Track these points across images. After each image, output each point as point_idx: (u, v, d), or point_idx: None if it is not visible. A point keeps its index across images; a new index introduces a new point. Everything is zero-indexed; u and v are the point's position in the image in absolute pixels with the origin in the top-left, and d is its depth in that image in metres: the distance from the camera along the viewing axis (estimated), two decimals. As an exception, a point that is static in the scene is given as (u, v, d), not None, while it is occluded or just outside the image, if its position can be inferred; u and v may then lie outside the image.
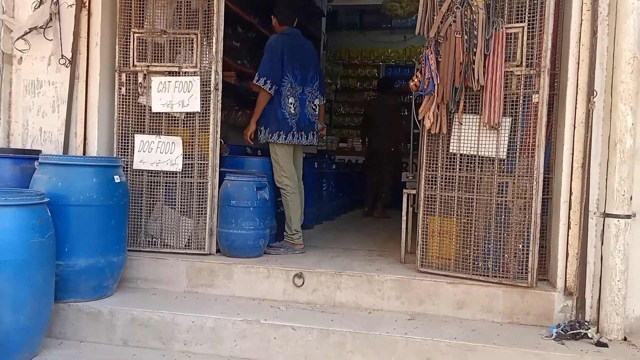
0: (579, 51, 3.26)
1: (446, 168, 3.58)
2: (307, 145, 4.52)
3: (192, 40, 3.97)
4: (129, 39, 4.01)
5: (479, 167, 3.49)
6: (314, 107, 4.45)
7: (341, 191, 6.95)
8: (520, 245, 3.33)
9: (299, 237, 4.32)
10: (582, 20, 3.25)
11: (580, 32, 3.26)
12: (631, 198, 3.07)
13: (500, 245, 3.40)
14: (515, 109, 3.39)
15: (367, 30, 10.31)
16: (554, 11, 3.34)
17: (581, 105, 3.24)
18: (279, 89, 4.22)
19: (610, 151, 3.11)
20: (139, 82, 4.01)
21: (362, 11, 9.89)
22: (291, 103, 4.24)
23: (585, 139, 3.20)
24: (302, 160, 4.63)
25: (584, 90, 3.23)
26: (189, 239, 3.96)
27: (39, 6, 3.93)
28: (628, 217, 3.05)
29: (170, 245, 3.96)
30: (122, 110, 4.01)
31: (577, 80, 3.26)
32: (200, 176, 3.95)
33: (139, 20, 4.02)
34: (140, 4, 4.01)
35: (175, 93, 3.95)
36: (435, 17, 3.52)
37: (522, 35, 3.36)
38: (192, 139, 3.97)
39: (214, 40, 3.94)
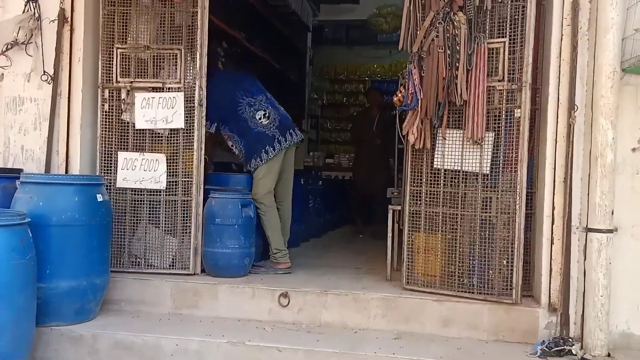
0: (559, 66, 3.29)
1: (431, 183, 3.58)
2: (296, 145, 4.34)
3: (176, 55, 3.96)
4: (112, 54, 3.98)
5: (463, 182, 3.49)
6: (282, 106, 4.37)
7: (328, 208, 6.91)
8: (505, 261, 3.33)
9: (283, 256, 4.17)
10: (562, 35, 3.29)
11: (560, 47, 3.29)
12: (613, 212, 3.09)
13: (485, 261, 3.40)
14: (498, 123, 3.41)
15: (353, 45, 10.37)
16: (534, 26, 3.37)
17: (562, 119, 3.26)
18: (238, 114, 4.11)
19: (592, 166, 3.13)
20: (122, 98, 3.98)
21: (347, 26, 9.95)
22: (262, 115, 4.14)
23: (567, 153, 3.22)
24: (293, 164, 4.45)
25: (565, 105, 3.26)
26: (173, 259, 3.91)
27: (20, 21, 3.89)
28: (610, 231, 3.06)
29: (154, 266, 3.91)
30: (105, 127, 3.97)
31: (558, 94, 3.29)
32: (184, 194, 3.91)
33: (122, 35, 4.00)
34: (123, 19, 3.99)
35: (159, 109, 3.92)
36: (418, 32, 3.54)
37: (504, 50, 3.38)
38: (176, 156, 3.93)
39: (198, 56, 3.92)
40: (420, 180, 3.60)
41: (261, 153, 4.11)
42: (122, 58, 3.98)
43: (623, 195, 3.18)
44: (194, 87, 3.92)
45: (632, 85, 3.21)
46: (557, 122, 3.28)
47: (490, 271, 3.38)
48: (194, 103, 3.91)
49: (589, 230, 3.12)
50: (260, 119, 4.13)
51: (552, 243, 3.26)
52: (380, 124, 6.86)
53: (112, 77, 3.98)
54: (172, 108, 3.89)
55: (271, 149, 4.12)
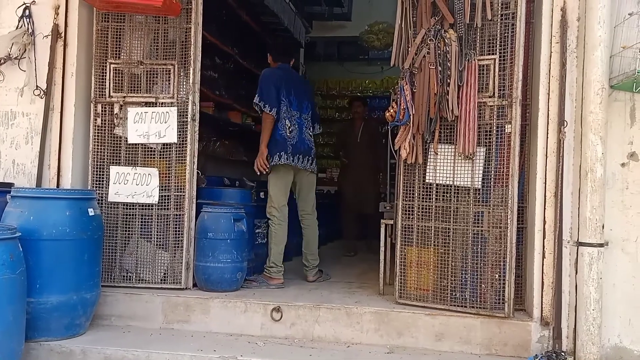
0: (549, 82, 3.35)
1: (423, 198, 3.60)
2: (309, 172, 4.48)
3: (170, 70, 3.98)
4: (105, 69, 4.00)
5: (455, 196, 3.51)
6: (310, 133, 4.51)
7: (320, 222, 6.87)
8: (497, 275, 3.35)
9: (277, 272, 4.21)
10: (551, 52, 3.35)
11: (550, 64, 3.35)
12: (603, 227, 3.12)
13: (477, 275, 3.41)
14: (489, 139, 3.44)
15: (345, 61, 10.43)
16: (524, 43, 3.43)
17: (552, 135, 3.31)
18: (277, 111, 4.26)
19: (582, 180, 3.17)
20: (115, 113, 3.98)
21: (339, 43, 10.02)
22: (287, 126, 4.28)
23: (557, 168, 3.26)
24: (311, 189, 4.58)
25: (555, 121, 3.30)
26: (165, 273, 3.89)
27: (14, 36, 3.90)
28: (601, 245, 3.09)
29: (145, 280, 3.88)
30: (98, 142, 3.97)
31: (548, 110, 3.33)
32: (176, 208, 3.90)
33: (116, 50, 4.02)
34: (116, 34, 4.01)
35: (151, 124, 3.93)
36: (409, 49, 3.59)
37: (494, 67, 3.44)
38: (168, 170, 3.93)
39: (192, 71, 3.94)
40: (413, 194, 3.62)
41: (275, 155, 4.21)
42: (115, 73, 4.00)
43: (613, 210, 3.22)
44: (187, 102, 3.93)
45: (621, 101, 3.27)
46: (547, 137, 3.32)
47: (483, 285, 3.40)
48: (187, 118, 3.92)
49: (580, 244, 3.15)
50: (286, 127, 4.29)
51: (543, 257, 3.28)
52: (365, 135, 6.46)
53: (105, 91, 3.99)
54: (165, 123, 3.90)
55: (285, 156, 4.22)
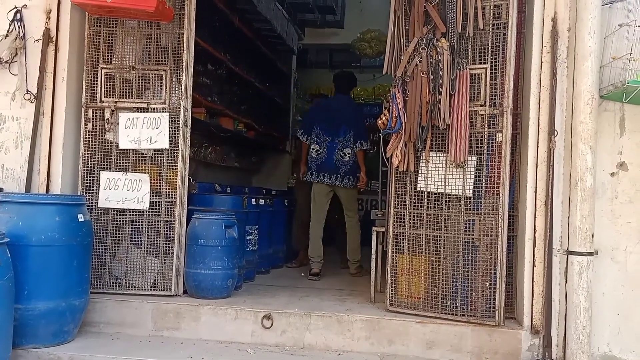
0: (539, 92, 3.37)
1: (414, 206, 3.61)
2: (342, 187, 5.16)
3: (162, 76, 3.96)
4: (97, 74, 3.98)
5: (446, 204, 3.53)
6: (344, 154, 5.15)
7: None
8: (488, 283, 3.36)
9: (313, 263, 5.07)
10: (542, 62, 3.38)
11: (540, 74, 3.38)
12: (593, 236, 3.14)
13: (468, 283, 3.42)
14: (480, 147, 3.46)
15: (337, 68, 10.43)
16: (515, 53, 3.46)
17: (543, 144, 3.33)
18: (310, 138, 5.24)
19: (572, 189, 3.19)
20: (106, 118, 3.96)
21: (332, 50, 10.05)
22: (316, 149, 5.21)
23: (548, 177, 3.28)
24: (348, 200, 5.30)
25: (545, 130, 3.33)
26: (155, 280, 3.86)
27: (5, 38, 3.87)
28: (590, 254, 3.11)
29: (135, 287, 3.85)
30: (88, 147, 3.94)
31: (539, 120, 3.36)
32: (167, 214, 3.88)
33: (108, 55, 4.00)
34: (108, 39, 4.00)
35: (143, 129, 3.91)
36: (402, 57, 3.61)
37: (486, 76, 3.46)
38: (159, 176, 3.91)
39: (184, 77, 3.93)
40: (404, 202, 3.63)
41: (307, 172, 5.26)
42: (107, 78, 3.98)
43: (603, 219, 3.24)
44: (179, 107, 3.92)
45: (610, 112, 3.30)
46: (537, 146, 3.34)
47: (474, 293, 3.40)
48: (179, 123, 3.91)
49: (569, 253, 3.17)
50: (312, 150, 5.25)
51: (533, 265, 3.30)
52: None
53: (96, 96, 3.97)
54: (157, 128, 3.89)
55: (312, 175, 5.19)
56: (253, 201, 4.83)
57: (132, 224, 3.89)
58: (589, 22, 3.17)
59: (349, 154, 5.13)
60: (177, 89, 3.95)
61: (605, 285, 3.22)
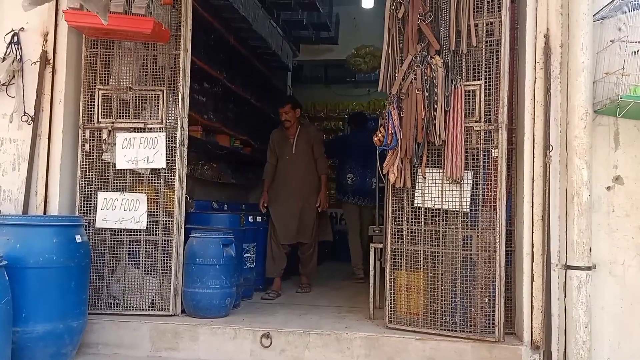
0: (534, 107, 3.40)
1: (412, 222, 3.62)
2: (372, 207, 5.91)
3: (158, 96, 3.98)
4: (94, 95, 4.00)
5: (443, 220, 3.53)
6: (371, 182, 6.05)
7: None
8: (487, 299, 3.36)
9: (357, 269, 6.02)
10: (535, 78, 3.41)
11: (534, 90, 3.41)
12: (590, 250, 3.15)
13: (467, 299, 3.42)
14: (476, 163, 3.48)
15: (332, 84, 10.53)
16: (509, 69, 3.49)
17: (538, 159, 3.35)
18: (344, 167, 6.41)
19: (568, 204, 3.21)
20: (103, 138, 3.97)
21: (326, 66, 10.11)
22: (350, 177, 6.28)
23: (544, 192, 3.30)
24: (368, 216, 6.24)
25: (541, 145, 3.35)
26: (152, 300, 3.84)
27: (2, 61, 3.89)
28: (589, 268, 3.12)
29: (133, 307, 3.83)
30: (85, 168, 3.94)
31: (534, 135, 3.38)
32: (165, 234, 3.88)
33: (105, 77, 4.02)
34: (105, 61, 4.02)
35: (140, 149, 3.92)
36: (396, 75, 3.63)
37: (480, 93, 3.49)
38: (157, 195, 3.92)
39: (180, 97, 3.96)
40: (402, 218, 3.64)
41: (340, 195, 6.41)
42: (104, 99, 4.00)
43: (600, 233, 3.25)
44: (176, 127, 3.94)
45: (605, 126, 3.33)
46: (533, 161, 3.36)
47: (473, 309, 3.40)
48: (175, 143, 3.92)
49: (568, 267, 3.17)
50: (347, 178, 6.27)
51: (532, 280, 3.30)
52: (301, 145, 5.25)
53: (93, 117, 3.98)
54: (154, 148, 3.90)
55: (342, 196, 6.36)
56: (250, 218, 4.83)
57: (129, 244, 3.88)
58: (581, 38, 3.21)
59: (375, 182, 5.65)
60: (173, 108, 3.97)
61: (604, 300, 3.22)
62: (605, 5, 3.23)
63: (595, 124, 3.29)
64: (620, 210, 3.27)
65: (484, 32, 3.50)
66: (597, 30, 3.27)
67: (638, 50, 3.20)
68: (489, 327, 3.33)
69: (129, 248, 3.88)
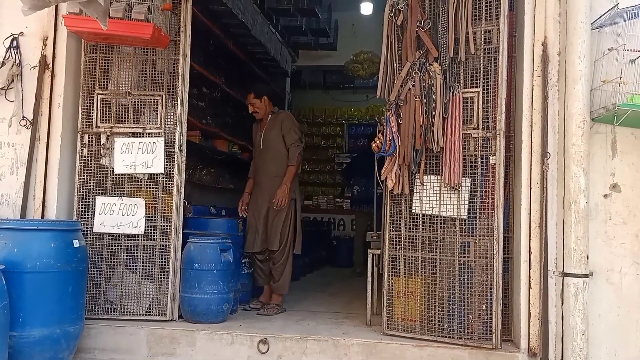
0: (531, 115, 3.42)
1: (409, 228, 3.62)
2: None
3: (157, 101, 3.99)
4: (93, 100, 4.00)
5: (441, 227, 3.54)
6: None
7: (306, 250, 6.82)
8: (484, 306, 3.36)
9: (358, 267, 6.57)
10: (533, 85, 3.43)
11: (532, 97, 3.42)
12: (588, 257, 3.16)
13: (464, 305, 3.42)
14: (474, 170, 3.49)
15: (331, 90, 10.58)
16: (507, 77, 3.51)
17: (536, 166, 3.36)
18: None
19: (566, 211, 3.22)
20: (101, 143, 3.98)
21: (325, 71, 10.16)
22: (355, 189, 7.86)
23: (542, 199, 3.31)
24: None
25: (538, 152, 3.36)
26: (150, 305, 3.84)
27: (1, 67, 3.90)
28: (586, 276, 3.13)
29: (130, 312, 3.82)
30: (84, 172, 3.94)
31: (531, 142, 3.40)
32: (163, 239, 3.88)
33: (103, 81, 4.03)
34: (104, 66, 4.03)
35: (138, 154, 3.92)
36: (395, 82, 3.65)
37: (478, 100, 3.50)
38: (155, 200, 3.92)
39: (179, 102, 3.97)
40: (399, 224, 3.64)
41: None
42: (103, 103, 4.00)
43: (597, 240, 3.27)
44: (175, 132, 3.94)
45: (602, 134, 3.35)
46: (530, 168, 3.38)
47: (470, 316, 3.40)
48: (174, 148, 3.93)
49: (565, 274, 3.18)
50: (354, 189, 7.80)
51: (530, 287, 3.31)
52: (270, 136, 4.64)
53: (92, 122, 3.99)
54: (152, 153, 3.90)
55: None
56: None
57: (127, 249, 3.88)
58: (578, 46, 3.23)
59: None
60: (172, 113, 3.98)
61: (601, 307, 3.23)
62: (603, 14, 3.25)
63: (593, 131, 3.31)
64: (618, 217, 3.29)
65: (482, 39, 3.51)
66: (594, 38, 3.29)
67: (635, 59, 3.21)
68: (486, 334, 3.33)
69: (127, 253, 3.88)
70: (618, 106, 3.03)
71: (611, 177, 3.31)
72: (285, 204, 4.44)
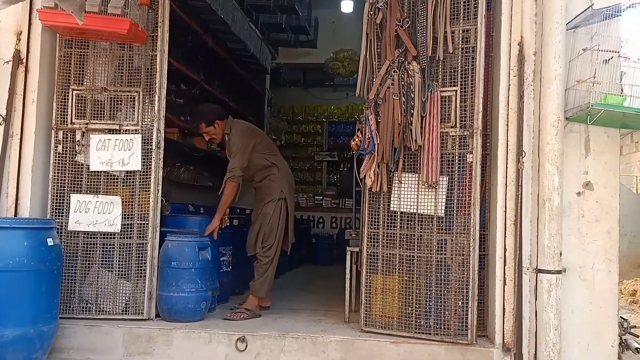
0: (507, 114, 3.46)
1: (388, 226, 3.64)
2: None
3: (134, 97, 3.94)
4: (68, 96, 3.94)
5: (419, 224, 3.57)
6: None
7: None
8: (460, 302, 3.40)
9: None
10: (509, 85, 3.47)
11: (508, 96, 3.46)
12: (561, 254, 3.21)
13: (441, 302, 3.45)
14: (452, 168, 3.52)
15: (311, 87, 10.57)
16: (484, 76, 3.54)
17: (511, 165, 3.41)
18: None
19: (540, 209, 3.27)
20: (76, 140, 3.91)
21: (305, 69, 10.15)
22: None
23: (517, 197, 3.35)
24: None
25: (514, 151, 3.41)
26: (126, 304, 3.80)
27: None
28: (559, 272, 3.18)
29: (106, 311, 3.78)
30: (58, 169, 3.88)
31: (507, 141, 3.44)
32: (140, 237, 3.83)
33: (79, 77, 3.96)
34: (80, 61, 3.96)
35: (115, 151, 3.87)
36: (374, 80, 3.66)
37: (456, 98, 3.53)
38: (132, 198, 3.87)
39: (157, 98, 3.92)
40: (378, 222, 3.66)
41: None
42: (78, 99, 3.94)
43: (570, 238, 3.32)
44: (152, 129, 3.90)
45: (576, 133, 3.40)
46: (506, 167, 3.42)
47: (446, 312, 3.43)
48: (151, 145, 3.89)
49: (539, 271, 3.23)
50: None
51: (504, 284, 3.35)
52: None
53: (67, 118, 3.92)
54: (129, 150, 3.85)
55: None
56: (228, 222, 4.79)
57: (103, 247, 3.83)
58: (554, 47, 3.27)
59: None
60: (149, 110, 3.94)
61: (574, 303, 3.29)
62: (578, 15, 3.30)
63: (567, 131, 3.36)
64: (590, 215, 3.35)
65: (460, 39, 3.54)
66: (569, 38, 3.33)
67: (609, 59, 3.27)
68: (462, 329, 3.37)
69: (103, 251, 3.83)
70: (592, 106, 3.08)
71: (584, 175, 3.37)
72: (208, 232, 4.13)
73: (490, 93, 3.67)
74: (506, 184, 3.41)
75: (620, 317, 3.93)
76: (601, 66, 3.25)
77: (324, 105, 10.72)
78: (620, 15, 3.21)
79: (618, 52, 3.22)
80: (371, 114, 3.63)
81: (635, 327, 4.75)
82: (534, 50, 3.43)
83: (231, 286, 4.79)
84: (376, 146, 3.59)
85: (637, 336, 4.27)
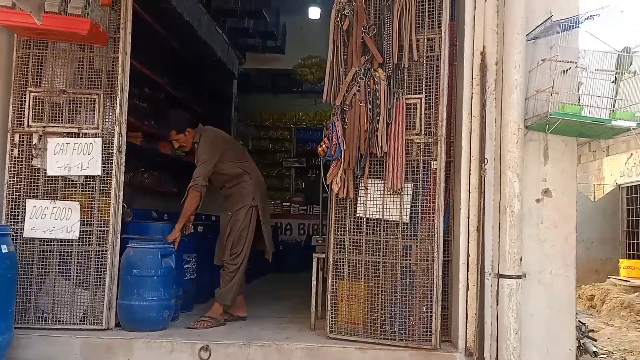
0: (470, 122, 3.51)
1: (354, 232, 3.64)
2: None
3: (94, 100, 3.85)
4: (25, 98, 3.82)
5: (384, 230, 3.58)
6: None
7: (251, 256, 6.72)
8: (424, 308, 3.42)
9: None
10: (472, 93, 3.52)
11: (471, 105, 3.52)
12: (521, 259, 3.27)
13: (405, 308, 3.47)
14: (416, 174, 3.56)
15: (279, 93, 10.55)
16: (448, 84, 3.60)
17: (474, 172, 3.46)
18: None
19: (501, 215, 3.32)
20: (33, 143, 3.80)
21: (273, 75, 10.12)
22: None
23: (479, 203, 3.40)
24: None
25: (477, 158, 3.46)
26: (84, 313, 3.68)
27: None
28: (519, 277, 3.23)
29: (63, 321, 3.66)
30: (14, 174, 3.76)
31: (470, 148, 3.49)
32: (99, 244, 3.73)
33: (37, 79, 3.85)
34: (38, 62, 3.85)
35: (74, 155, 3.77)
36: (341, 86, 3.67)
37: (421, 106, 3.57)
38: (91, 204, 3.77)
39: (118, 101, 3.83)
40: (344, 228, 3.66)
41: None
42: (35, 102, 3.83)
43: (530, 243, 3.38)
44: (113, 133, 3.82)
45: (535, 141, 3.47)
46: (469, 174, 3.47)
47: (411, 317, 3.45)
48: (112, 149, 3.80)
49: (500, 276, 3.28)
50: None
51: (467, 289, 3.39)
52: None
53: (23, 121, 3.81)
54: (89, 154, 3.76)
55: None
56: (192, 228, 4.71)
57: (60, 255, 3.72)
58: (515, 57, 3.34)
59: None
60: (110, 113, 3.85)
61: (533, 307, 3.34)
62: (538, 26, 3.38)
63: (527, 139, 3.43)
64: (549, 221, 3.42)
65: (425, 47, 3.59)
66: (530, 49, 3.41)
67: (567, 70, 3.35)
68: (427, 335, 3.39)
69: (60, 259, 3.71)
70: (550, 115, 3.15)
71: (543, 182, 3.44)
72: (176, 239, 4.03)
73: (454, 101, 3.72)
74: (469, 191, 3.46)
75: (579, 321, 4.04)
76: (559, 76, 3.33)
77: (292, 111, 10.70)
78: (578, 27, 3.30)
79: (576, 62, 3.31)
80: (338, 120, 3.64)
81: (593, 331, 4.88)
82: (496, 60, 3.49)
83: (195, 294, 4.71)
84: (343, 152, 3.60)
85: (595, 340, 4.39)
